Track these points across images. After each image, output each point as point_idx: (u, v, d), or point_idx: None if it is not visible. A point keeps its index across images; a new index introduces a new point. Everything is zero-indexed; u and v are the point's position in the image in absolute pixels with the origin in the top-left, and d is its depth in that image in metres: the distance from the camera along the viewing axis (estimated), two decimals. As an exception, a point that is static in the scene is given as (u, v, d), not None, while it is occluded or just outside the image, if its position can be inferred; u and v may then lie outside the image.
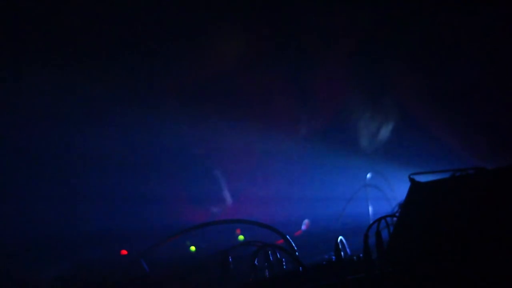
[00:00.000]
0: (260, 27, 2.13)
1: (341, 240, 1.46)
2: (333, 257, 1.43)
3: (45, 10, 1.93)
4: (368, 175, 2.30)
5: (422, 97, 2.28)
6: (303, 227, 2.18)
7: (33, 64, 1.92)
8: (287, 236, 1.49)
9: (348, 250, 1.55)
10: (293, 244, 1.47)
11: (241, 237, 1.86)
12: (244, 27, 2.13)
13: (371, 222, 1.35)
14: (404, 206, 1.34)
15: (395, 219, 1.35)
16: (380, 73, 2.23)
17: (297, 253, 1.45)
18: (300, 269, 1.33)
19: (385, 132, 2.41)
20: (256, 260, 1.33)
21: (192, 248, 1.83)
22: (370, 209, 2.21)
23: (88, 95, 1.98)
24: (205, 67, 2.19)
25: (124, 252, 1.90)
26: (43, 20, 1.94)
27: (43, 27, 1.94)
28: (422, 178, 1.35)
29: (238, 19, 2.12)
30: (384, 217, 1.36)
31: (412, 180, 1.34)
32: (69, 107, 1.98)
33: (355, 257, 1.40)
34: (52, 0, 1.95)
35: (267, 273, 1.38)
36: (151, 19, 2.07)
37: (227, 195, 2.26)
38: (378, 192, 2.24)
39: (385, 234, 1.35)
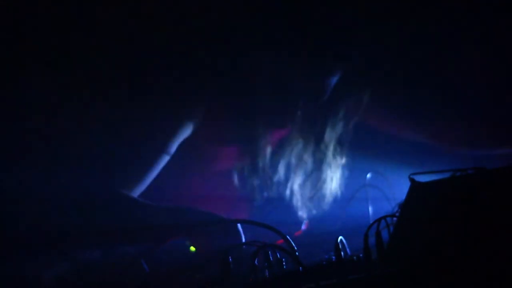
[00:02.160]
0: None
1: (341, 240, 1.47)
2: (333, 257, 1.43)
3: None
4: (368, 175, 2.29)
5: (422, 97, 2.27)
6: (303, 227, 2.18)
7: None
8: (287, 236, 1.49)
9: (348, 250, 1.55)
10: (293, 244, 1.47)
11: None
12: None
13: (371, 222, 1.35)
14: (404, 206, 1.34)
15: (395, 219, 1.35)
16: (382, 72, 2.21)
17: (297, 253, 1.45)
18: (300, 269, 1.33)
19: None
20: (256, 260, 1.33)
21: (192, 248, 1.83)
22: (370, 209, 2.21)
23: None
24: None
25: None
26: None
27: None
28: (422, 178, 1.35)
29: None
30: (384, 217, 1.36)
31: (412, 180, 1.34)
32: None
33: (355, 257, 1.40)
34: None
35: (267, 273, 1.38)
36: None
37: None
38: (378, 192, 2.24)
39: (385, 234, 1.35)
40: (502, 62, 2.21)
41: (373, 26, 1.98)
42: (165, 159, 1.94)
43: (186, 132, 1.98)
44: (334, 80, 1.99)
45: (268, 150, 2.10)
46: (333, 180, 2.21)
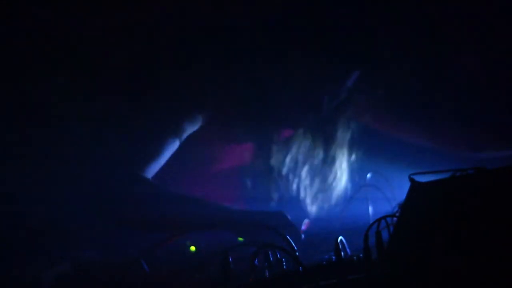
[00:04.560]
0: None
1: (341, 240, 1.47)
2: (333, 257, 1.43)
3: None
4: (368, 175, 2.29)
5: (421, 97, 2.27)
6: (303, 227, 2.18)
7: None
8: (287, 236, 1.49)
9: (348, 250, 1.55)
10: (293, 244, 1.47)
11: (241, 237, 1.86)
12: None
13: (371, 222, 1.35)
14: (404, 206, 1.34)
15: (395, 219, 1.35)
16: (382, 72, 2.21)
17: (297, 253, 1.45)
18: (300, 269, 1.33)
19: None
20: (256, 260, 1.33)
21: (192, 248, 1.83)
22: (370, 209, 2.21)
23: None
24: None
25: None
26: None
27: None
28: (422, 178, 1.35)
29: None
30: (384, 217, 1.36)
31: (412, 180, 1.34)
32: None
33: (355, 257, 1.40)
34: None
35: (267, 273, 1.38)
36: None
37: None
38: (378, 192, 2.24)
39: (385, 234, 1.35)
40: (504, 64, 2.21)
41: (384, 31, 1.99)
42: (176, 143, 1.96)
43: (195, 123, 2.00)
44: (349, 83, 2.01)
45: (275, 150, 2.11)
46: (338, 183, 2.22)
